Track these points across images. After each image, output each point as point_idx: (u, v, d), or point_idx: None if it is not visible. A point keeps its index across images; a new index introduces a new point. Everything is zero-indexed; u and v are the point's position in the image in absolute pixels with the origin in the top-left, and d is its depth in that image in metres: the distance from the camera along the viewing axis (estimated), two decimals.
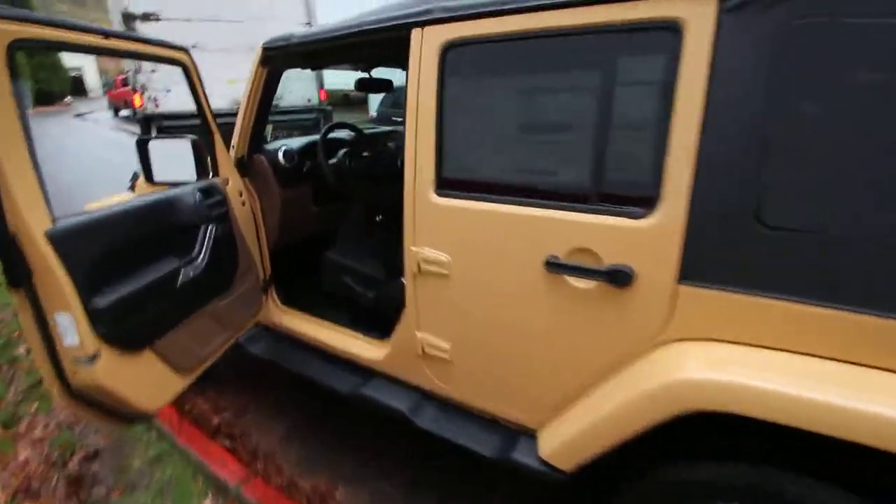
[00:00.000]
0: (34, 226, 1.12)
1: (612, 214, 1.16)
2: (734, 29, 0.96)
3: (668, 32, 1.02)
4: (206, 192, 1.65)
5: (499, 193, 1.34)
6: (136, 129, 5.95)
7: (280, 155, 2.06)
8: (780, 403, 0.93)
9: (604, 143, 1.15)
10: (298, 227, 2.29)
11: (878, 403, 0.87)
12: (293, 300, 2.18)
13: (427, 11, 1.36)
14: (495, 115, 1.35)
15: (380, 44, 1.59)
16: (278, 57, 1.79)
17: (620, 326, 1.20)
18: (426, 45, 1.37)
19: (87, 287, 1.21)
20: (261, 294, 2.06)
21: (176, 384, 1.54)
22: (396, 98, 8.43)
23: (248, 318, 1.97)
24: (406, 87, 1.46)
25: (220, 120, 1.76)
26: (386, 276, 1.97)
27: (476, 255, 1.40)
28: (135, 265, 1.35)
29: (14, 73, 1.09)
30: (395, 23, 1.44)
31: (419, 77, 1.40)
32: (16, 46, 1.10)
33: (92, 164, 8.65)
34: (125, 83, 13.06)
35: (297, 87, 5.95)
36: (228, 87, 5.21)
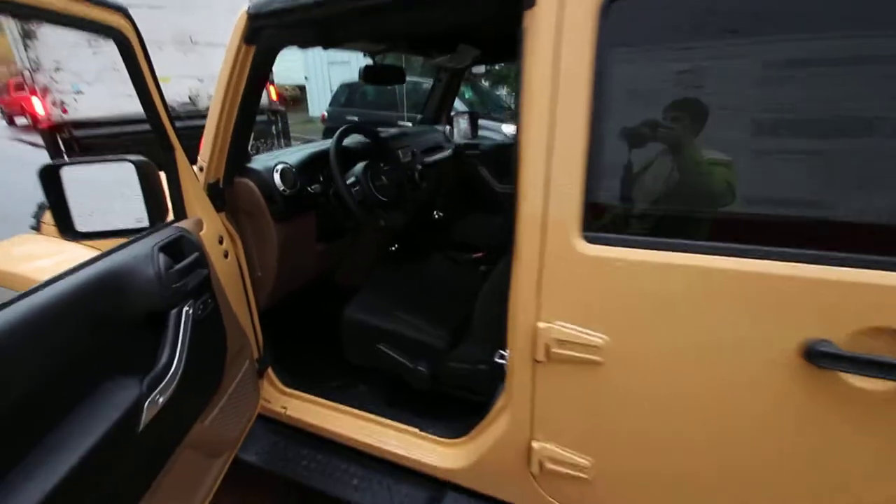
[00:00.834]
0: None
1: None
2: None
3: None
4: (172, 249, 0.99)
5: (716, 238, 0.81)
6: (40, 141, 4.84)
7: (276, 176, 1.40)
8: None
9: None
10: (299, 274, 1.64)
11: None
12: (300, 379, 1.54)
13: None
14: (713, 106, 0.81)
15: (456, 5, 1.01)
16: (273, 28, 1.15)
17: None
18: (572, 2, 0.81)
19: None
20: (256, 380, 1.40)
21: None
22: (356, 93, 7.67)
23: (245, 423, 1.32)
24: (520, 70, 0.89)
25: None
26: (450, 342, 1.38)
27: (663, 336, 0.87)
28: (51, 423, 0.69)
29: None
30: None
31: (553, 53, 0.84)
32: None
33: None
34: (20, 87, 10.97)
35: None
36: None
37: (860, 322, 0.73)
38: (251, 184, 1.35)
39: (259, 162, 1.44)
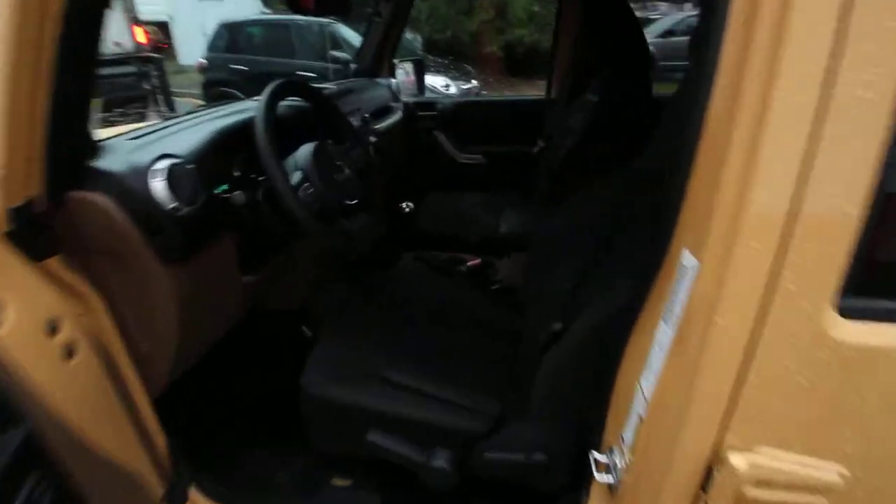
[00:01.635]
0: None
1: None
2: None
3: None
4: None
5: None
6: None
7: (157, 184, 0.75)
8: None
9: None
10: (215, 326, 1.03)
11: None
12: (242, 491, 0.98)
13: None
14: None
15: None
16: None
17: None
18: None
19: None
20: None
21: None
22: (240, 37, 6.40)
23: None
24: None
25: None
26: (484, 420, 0.91)
27: None
28: None
29: None
30: None
31: None
32: None
33: None
34: None
35: None
36: None
37: None
38: (106, 202, 0.70)
39: (119, 154, 0.78)
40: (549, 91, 2.04)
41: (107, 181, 0.72)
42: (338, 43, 5.82)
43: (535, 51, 7.89)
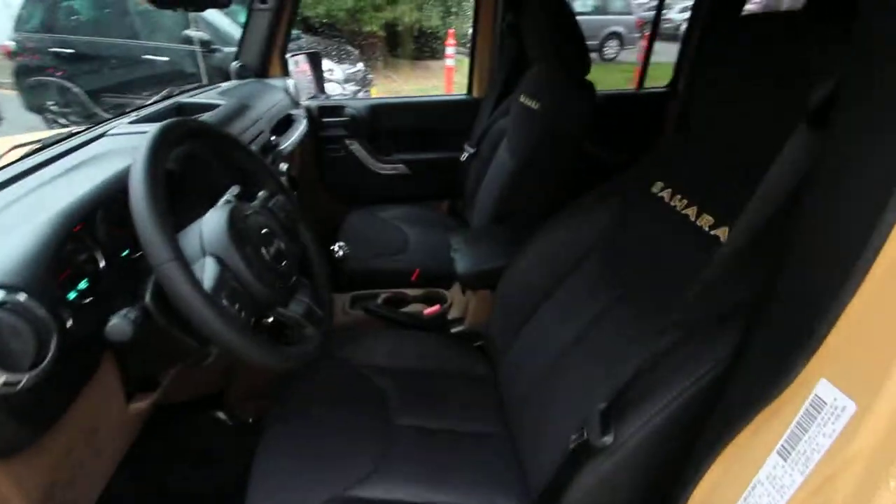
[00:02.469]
0: None
1: None
2: None
3: None
4: None
5: None
6: None
7: None
8: None
9: None
10: (95, 477, 0.70)
11: None
12: None
13: None
14: None
15: None
16: None
17: None
18: None
19: None
20: None
21: None
22: (57, 12, 5.13)
23: None
24: None
25: None
26: None
27: None
28: None
29: None
30: None
31: None
32: None
33: None
34: None
35: None
36: None
37: None
38: None
39: None
40: (470, 89, 1.86)
41: None
42: (189, 20, 4.96)
43: (420, 31, 7.62)
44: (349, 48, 5.86)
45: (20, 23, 5.16)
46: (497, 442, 0.91)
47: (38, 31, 5.13)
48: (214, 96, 1.22)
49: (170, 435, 1.13)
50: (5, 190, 0.66)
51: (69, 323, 0.55)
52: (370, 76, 5.74)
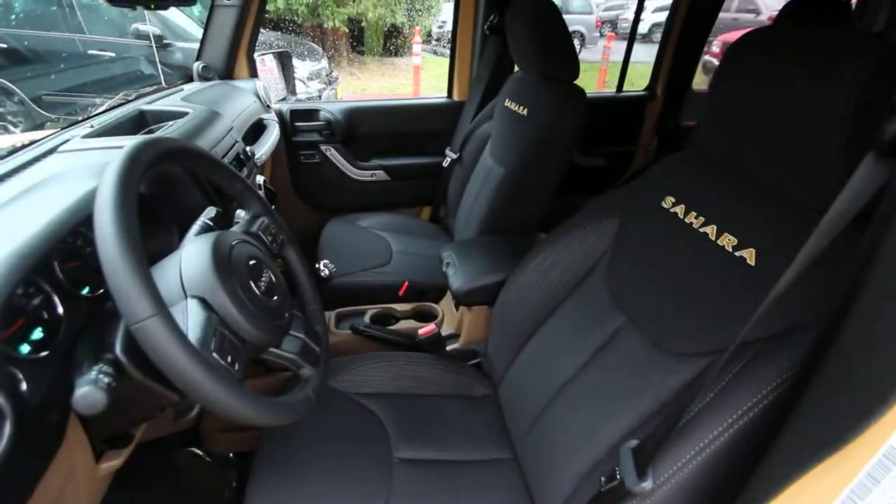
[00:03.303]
0: None
1: None
2: None
3: None
4: None
5: None
6: None
7: None
8: None
9: None
10: None
11: None
12: None
13: None
14: None
15: None
16: None
17: None
18: None
19: None
20: None
21: None
22: None
23: None
24: None
25: None
26: None
27: None
28: None
29: None
30: None
31: None
32: None
33: None
34: None
35: None
36: None
37: None
38: None
39: None
40: (450, 92, 1.80)
41: None
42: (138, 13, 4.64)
43: (386, 28, 7.47)
44: (313, 45, 5.67)
45: None
46: (504, 469, 0.86)
47: None
48: (178, 102, 1.11)
49: (146, 474, 1.03)
50: None
51: (23, 386, 0.46)
52: (335, 73, 5.57)
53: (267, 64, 1.69)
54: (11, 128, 3.77)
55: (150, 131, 0.98)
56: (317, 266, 1.18)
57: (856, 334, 0.41)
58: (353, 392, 0.94)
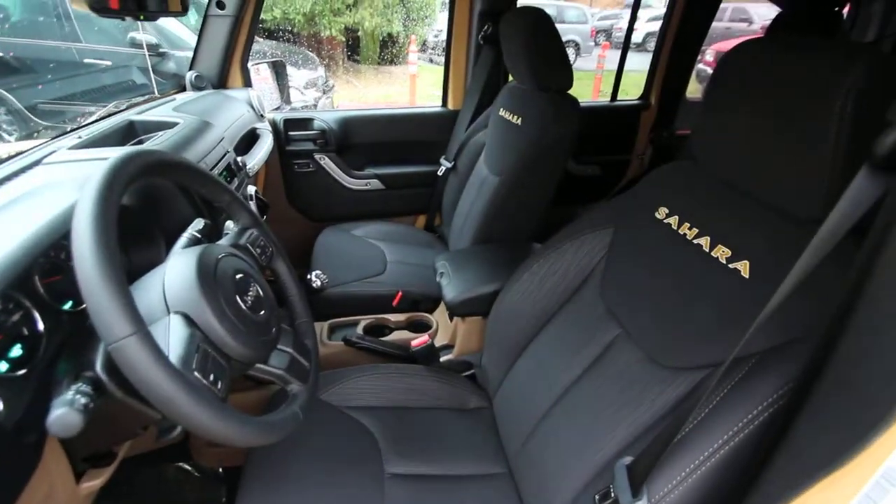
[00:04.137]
0: None
1: None
2: None
3: None
4: None
5: None
6: None
7: None
8: None
9: None
10: None
11: None
12: None
13: None
14: None
15: None
16: None
17: None
18: None
19: None
20: None
21: None
22: None
23: None
24: None
25: None
26: None
27: None
28: None
29: None
30: None
31: None
32: None
33: None
34: None
35: None
36: None
37: None
38: None
39: None
40: (445, 101, 1.80)
41: None
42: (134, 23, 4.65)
43: (382, 37, 7.51)
44: (310, 53, 5.69)
45: None
46: (499, 484, 0.84)
47: None
48: (169, 112, 1.10)
49: (132, 489, 1.00)
50: None
51: None
52: (331, 82, 5.59)
53: (261, 73, 1.69)
54: (6, 136, 3.75)
55: (140, 142, 0.97)
56: (308, 277, 1.17)
57: (852, 349, 0.40)
58: (345, 405, 0.92)
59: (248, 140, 1.30)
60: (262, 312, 0.60)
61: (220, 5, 1.37)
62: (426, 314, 1.33)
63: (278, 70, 1.74)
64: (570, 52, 8.59)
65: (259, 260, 0.69)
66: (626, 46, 1.99)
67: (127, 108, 1.14)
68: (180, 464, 1.08)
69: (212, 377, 0.48)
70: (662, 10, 1.92)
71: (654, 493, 0.52)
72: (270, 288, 0.65)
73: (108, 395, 0.50)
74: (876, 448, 0.37)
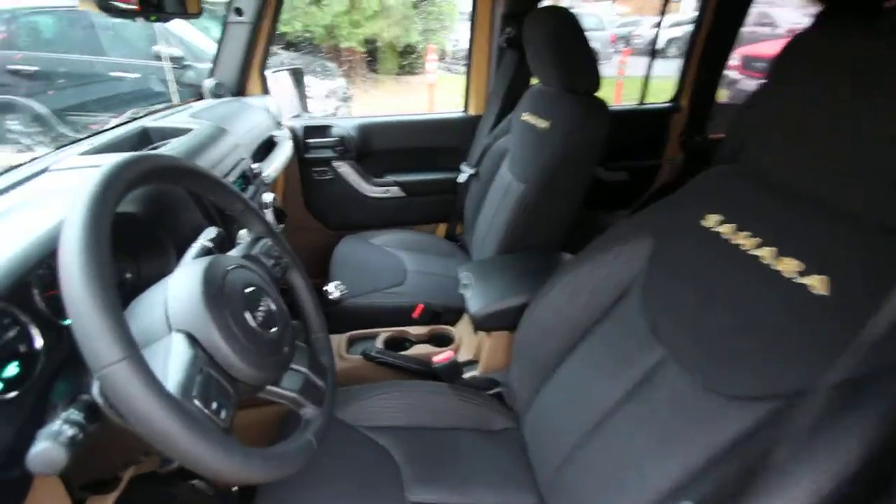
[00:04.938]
0: None
1: None
2: None
3: None
4: None
5: None
6: None
7: None
8: None
9: None
10: None
11: None
12: None
13: None
14: None
15: None
16: None
17: None
18: None
19: None
20: None
21: None
22: (17, 27, 4.90)
23: None
24: None
25: None
26: None
27: None
28: None
29: None
30: None
31: None
32: None
33: None
34: None
35: None
36: None
37: None
38: None
39: None
40: (466, 106, 1.75)
41: None
42: (158, 35, 4.77)
43: (405, 47, 7.57)
44: (328, 63, 5.74)
45: None
46: None
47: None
48: (185, 119, 1.07)
49: None
50: None
51: None
52: (350, 92, 5.62)
53: (281, 81, 1.67)
54: (36, 139, 3.91)
55: (154, 148, 0.94)
56: (325, 289, 1.12)
57: None
58: (363, 425, 0.86)
59: (267, 148, 1.28)
60: (274, 329, 0.55)
61: (239, 11, 1.35)
62: (448, 327, 1.27)
63: (297, 78, 1.72)
64: None
65: (272, 271, 0.64)
66: (653, 50, 1.92)
67: (144, 116, 1.12)
68: (193, 482, 1.03)
69: (214, 405, 0.42)
70: (684, 16, 1.85)
71: None
72: (284, 301, 0.61)
73: (104, 421, 0.45)
74: None
